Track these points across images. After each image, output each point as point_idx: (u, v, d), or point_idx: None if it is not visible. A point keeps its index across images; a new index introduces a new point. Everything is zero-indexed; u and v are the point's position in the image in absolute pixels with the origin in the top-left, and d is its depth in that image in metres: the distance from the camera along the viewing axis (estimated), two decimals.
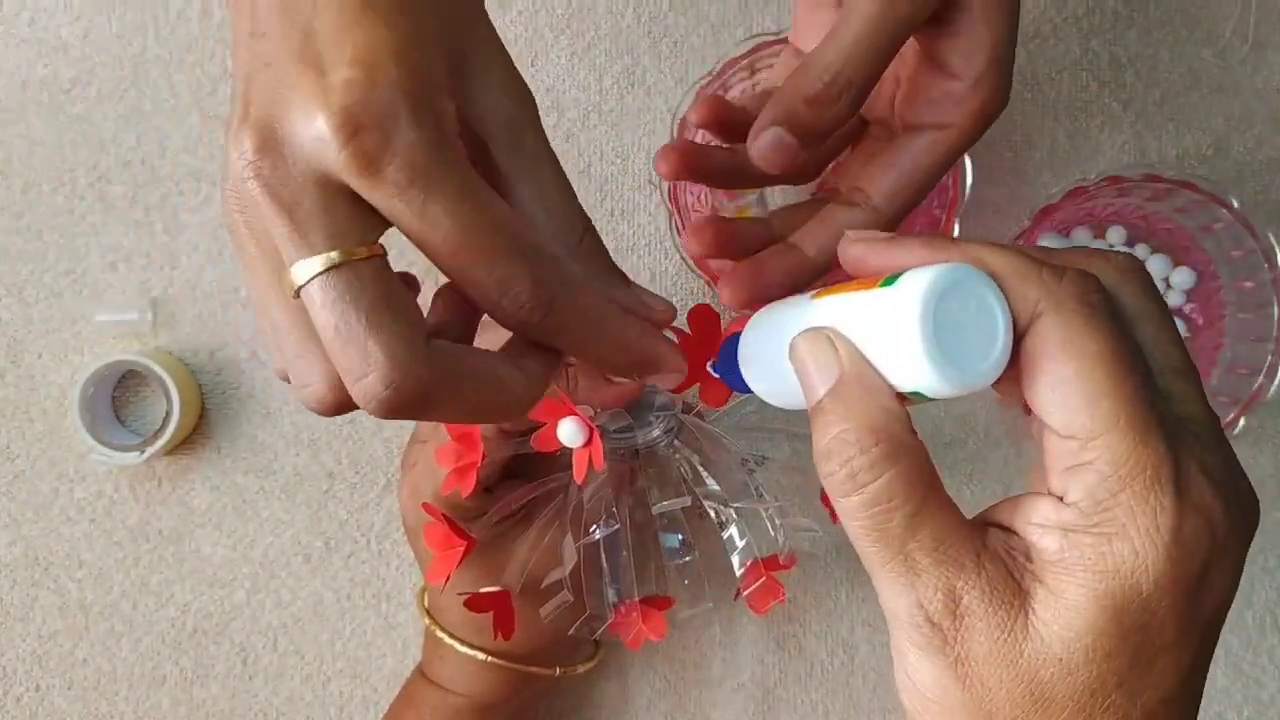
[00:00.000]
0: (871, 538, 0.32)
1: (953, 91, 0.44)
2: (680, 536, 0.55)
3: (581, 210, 0.39)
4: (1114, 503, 0.30)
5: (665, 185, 0.57)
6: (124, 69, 0.62)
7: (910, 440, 0.32)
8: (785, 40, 0.56)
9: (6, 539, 0.63)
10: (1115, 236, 0.62)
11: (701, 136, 0.55)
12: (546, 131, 0.38)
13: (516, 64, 0.38)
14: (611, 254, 0.62)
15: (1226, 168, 0.62)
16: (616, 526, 0.51)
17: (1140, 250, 0.62)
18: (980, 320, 0.31)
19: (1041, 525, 0.32)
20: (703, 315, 0.45)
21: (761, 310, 0.39)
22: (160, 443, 0.60)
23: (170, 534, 0.63)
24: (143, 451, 0.60)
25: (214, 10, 0.62)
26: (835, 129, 0.43)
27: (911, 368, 0.31)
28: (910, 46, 0.44)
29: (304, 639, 0.63)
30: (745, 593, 0.52)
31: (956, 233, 0.56)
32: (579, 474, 0.47)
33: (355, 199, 0.33)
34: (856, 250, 0.36)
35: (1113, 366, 0.31)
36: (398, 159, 0.32)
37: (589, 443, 0.46)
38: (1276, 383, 0.57)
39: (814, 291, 0.36)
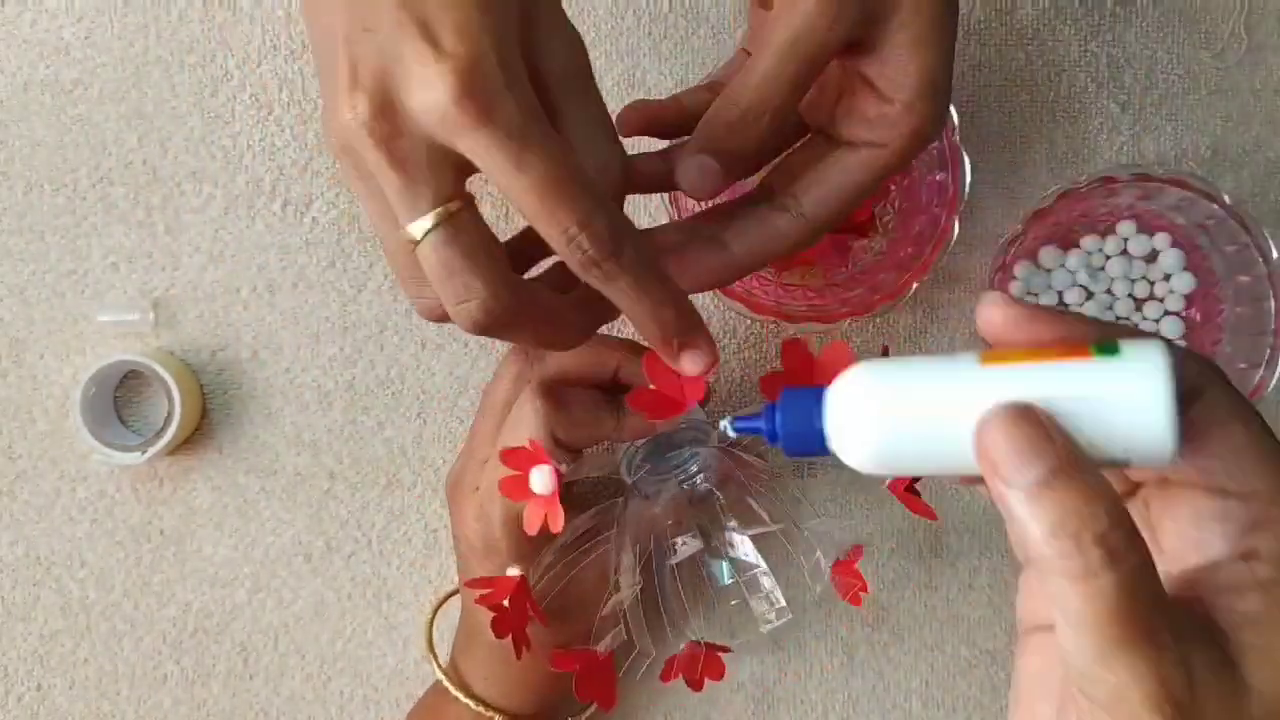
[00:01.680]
0: (1118, 618, 0.30)
1: (887, 113, 0.44)
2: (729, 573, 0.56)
3: (624, 154, 0.44)
4: None
5: None
6: (125, 70, 0.62)
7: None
8: None
9: (8, 539, 0.63)
10: (1126, 230, 0.62)
11: None
12: (610, 117, 0.43)
13: None
14: None
15: (1224, 169, 0.63)
16: (696, 548, 0.52)
17: (1160, 240, 0.61)
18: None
19: (1235, 588, 0.32)
20: (797, 350, 0.47)
21: (886, 368, 0.34)
22: (162, 443, 0.60)
23: (172, 534, 0.63)
24: (144, 452, 0.60)
25: (215, 12, 0.62)
26: (760, 151, 0.45)
27: (1151, 441, 0.31)
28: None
29: (305, 639, 0.63)
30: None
31: (956, 233, 0.56)
32: (530, 527, 0.49)
33: (453, 157, 0.38)
34: (999, 315, 0.34)
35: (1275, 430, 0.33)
36: (500, 116, 0.37)
37: (552, 496, 0.47)
38: (1277, 376, 0.57)
39: (977, 355, 0.33)
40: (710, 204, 0.61)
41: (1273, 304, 0.57)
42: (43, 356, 0.63)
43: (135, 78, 0.62)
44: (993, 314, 0.34)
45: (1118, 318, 0.62)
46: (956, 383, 0.33)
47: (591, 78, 0.43)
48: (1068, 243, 0.62)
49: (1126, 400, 0.31)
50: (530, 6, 0.40)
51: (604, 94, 0.63)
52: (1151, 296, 0.62)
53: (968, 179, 0.57)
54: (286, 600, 0.63)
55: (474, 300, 0.40)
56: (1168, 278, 0.62)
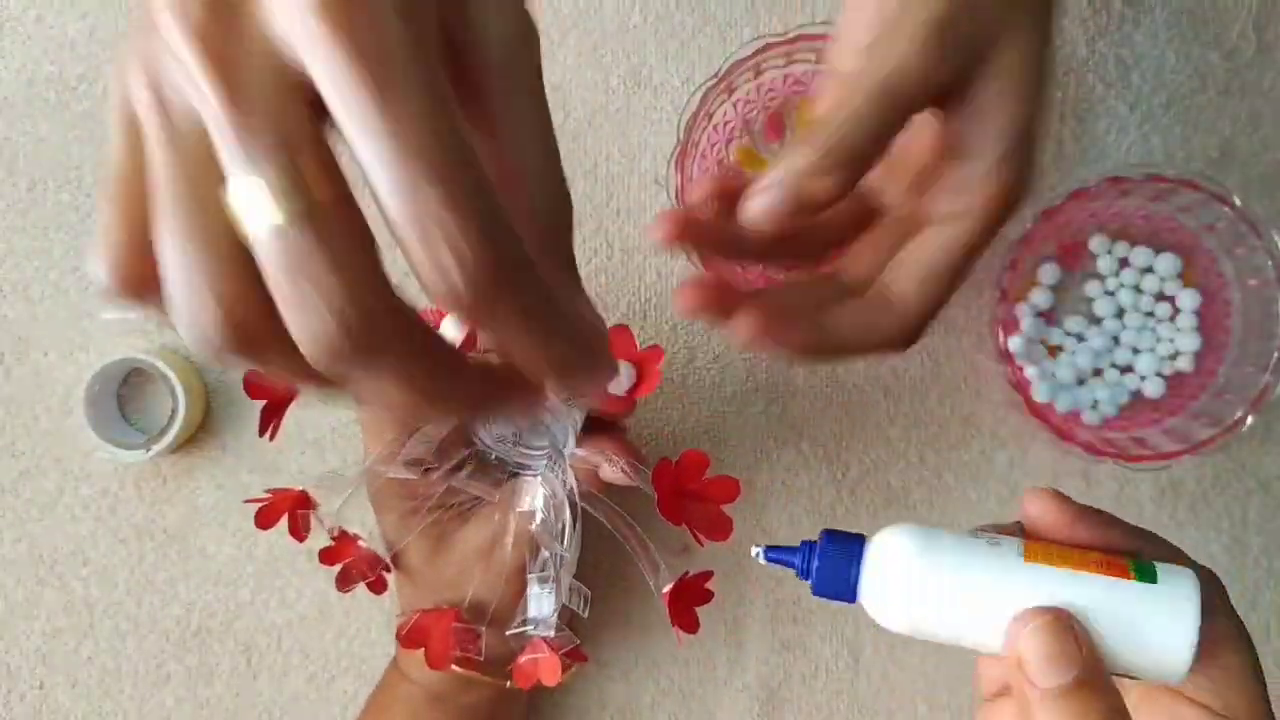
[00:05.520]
0: None
1: (972, 175, 0.40)
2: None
3: (564, 182, 0.32)
4: None
5: (672, 186, 0.57)
6: None
7: None
8: (792, 41, 0.56)
9: (12, 536, 0.63)
10: (1097, 245, 0.62)
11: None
12: (554, 131, 0.34)
13: None
14: (617, 254, 0.63)
15: (1233, 170, 0.62)
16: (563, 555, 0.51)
17: (1142, 253, 0.61)
18: None
19: None
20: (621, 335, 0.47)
21: (931, 541, 0.37)
22: (165, 440, 0.60)
23: (175, 532, 0.63)
24: (148, 449, 0.60)
25: None
26: (834, 200, 0.39)
27: (1170, 665, 0.35)
28: (927, 129, 0.41)
29: (308, 637, 0.63)
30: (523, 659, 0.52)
31: None
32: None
33: (303, 91, 0.26)
34: (1044, 511, 0.38)
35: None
36: (372, 26, 0.26)
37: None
38: None
39: (1019, 547, 0.37)
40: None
41: None
42: (46, 354, 0.63)
43: None
44: (1042, 510, 0.38)
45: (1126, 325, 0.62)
46: (999, 573, 0.36)
47: (539, 76, 0.33)
48: (1076, 246, 0.62)
49: (1158, 628, 0.35)
50: None
51: (609, 91, 0.64)
52: (1161, 299, 0.62)
53: None
54: (290, 599, 0.63)
55: (330, 309, 0.26)
56: (1174, 297, 0.62)
